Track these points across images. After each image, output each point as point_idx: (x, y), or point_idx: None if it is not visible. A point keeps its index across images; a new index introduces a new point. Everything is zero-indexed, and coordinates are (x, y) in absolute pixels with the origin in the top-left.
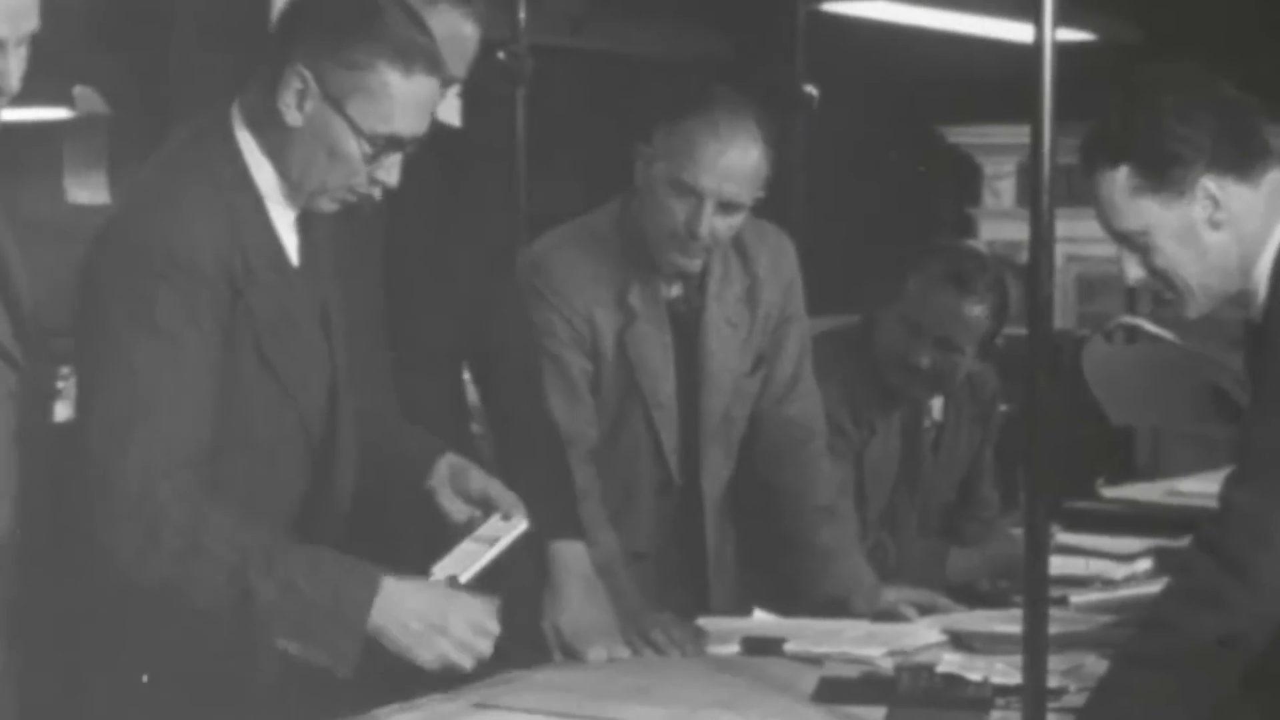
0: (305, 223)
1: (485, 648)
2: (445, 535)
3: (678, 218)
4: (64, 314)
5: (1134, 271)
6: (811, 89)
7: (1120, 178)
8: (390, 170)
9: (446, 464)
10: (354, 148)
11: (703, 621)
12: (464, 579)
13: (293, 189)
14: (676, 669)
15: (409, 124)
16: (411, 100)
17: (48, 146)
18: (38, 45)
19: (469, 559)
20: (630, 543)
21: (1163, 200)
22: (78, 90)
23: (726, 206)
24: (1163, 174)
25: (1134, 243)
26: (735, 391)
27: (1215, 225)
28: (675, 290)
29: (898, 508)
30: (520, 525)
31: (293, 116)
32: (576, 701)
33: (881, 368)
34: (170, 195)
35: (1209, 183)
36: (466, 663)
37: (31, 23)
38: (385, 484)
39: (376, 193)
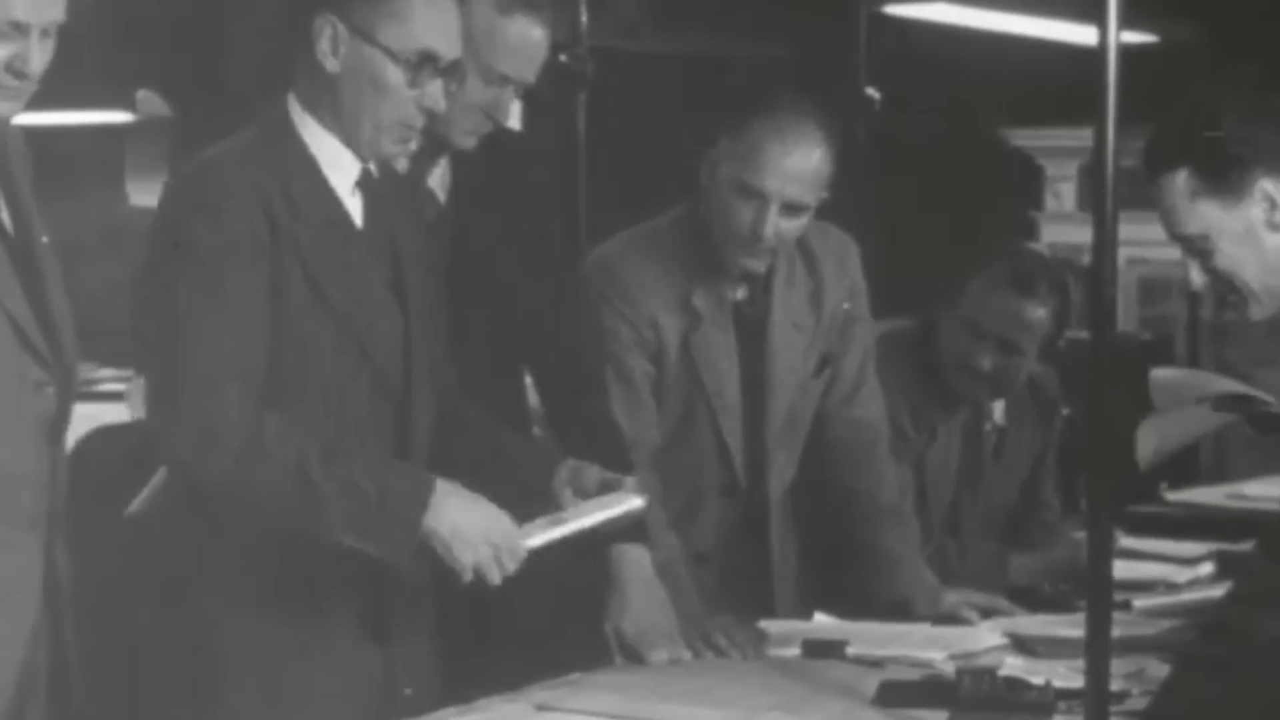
0: (370, 192)
1: (512, 568)
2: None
3: (743, 220)
4: (125, 315)
5: (1198, 276)
6: (873, 92)
7: (1180, 181)
8: (436, 97)
9: (567, 468)
10: (394, 74)
11: (764, 624)
12: (532, 542)
13: (351, 139)
14: (737, 671)
15: (439, 40)
16: (436, 16)
17: (110, 150)
18: (101, 49)
19: (548, 526)
20: (694, 545)
21: (1222, 203)
22: (140, 94)
23: (791, 208)
24: (1222, 177)
25: (1195, 246)
26: (800, 393)
27: (1275, 227)
28: (740, 293)
29: (960, 511)
30: (628, 502)
31: (331, 64)
32: (637, 703)
33: (943, 370)
34: (213, 160)
35: (1268, 184)
36: (496, 576)
37: (57, 13)
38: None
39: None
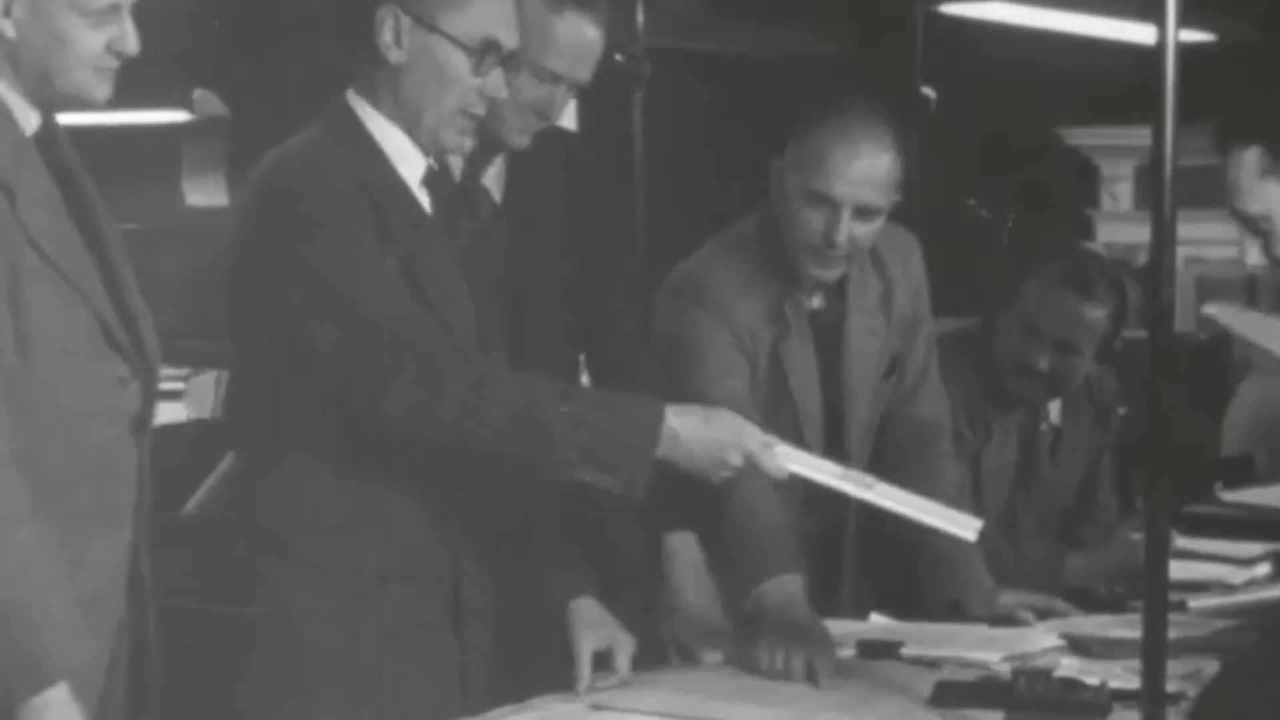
0: (435, 185)
1: (770, 465)
2: None
3: (814, 228)
4: (182, 314)
5: (1254, 257)
6: (929, 91)
7: (1250, 159)
8: (498, 85)
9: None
10: (459, 62)
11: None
12: (793, 467)
13: (414, 130)
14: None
15: (500, 28)
16: (496, 4)
17: (166, 149)
18: (158, 49)
19: (812, 465)
20: None
21: None
22: (197, 93)
23: (863, 213)
24: None
25: (1258, 227)
26: (874, 397)
27: None
28: (817, 302)
29: (1016, 511)
30: (960, 525)
31: (395, 55)
32: (692, 702)
33: (1000, 371)
34: (297, 151)
35: None
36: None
37: None
38: None
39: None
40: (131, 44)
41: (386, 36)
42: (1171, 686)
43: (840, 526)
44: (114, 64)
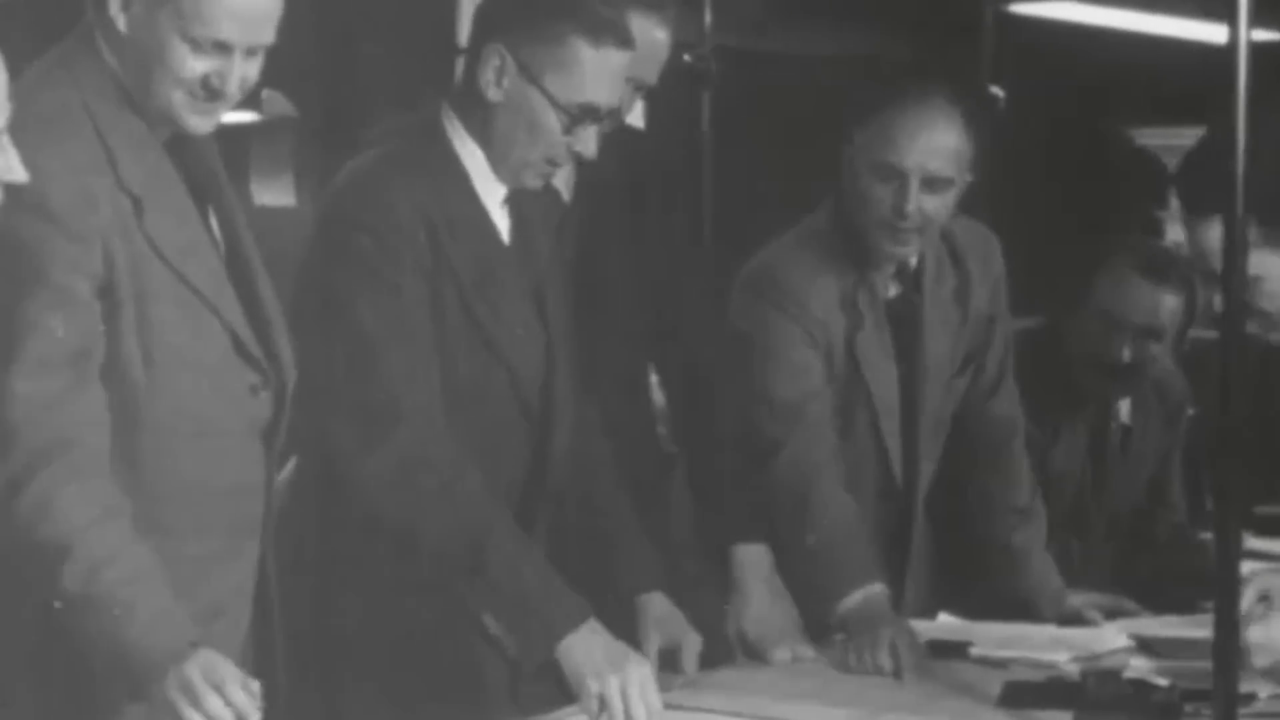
0: (516, 206)
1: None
2: None
3: (884, 202)
4: None
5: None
6: (997, 90)
7: (1217, 230)
8: (587, 141)
9: (657, 608)
10: (551, 119)
11: None
12: None
13: (497, 164)
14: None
15: (602, 94)
16: (603, 71)
17: (235, 150)
18: None
19: None
20: None
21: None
22: (265, 93)
23: (931, 183)
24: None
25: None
26: (945, 392)
27: None
28: (893, 290)
29: (1085, 511)
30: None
31: (493, 93)
32: (759, 702)
33: (1075, 368)
34: (375, 171)
35: None
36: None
37: (267, 36)
38: None
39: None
40: (231, 85)
41: (489, 75)
42: (1243, 687)
43: (909, 518)
44: (207, 98)
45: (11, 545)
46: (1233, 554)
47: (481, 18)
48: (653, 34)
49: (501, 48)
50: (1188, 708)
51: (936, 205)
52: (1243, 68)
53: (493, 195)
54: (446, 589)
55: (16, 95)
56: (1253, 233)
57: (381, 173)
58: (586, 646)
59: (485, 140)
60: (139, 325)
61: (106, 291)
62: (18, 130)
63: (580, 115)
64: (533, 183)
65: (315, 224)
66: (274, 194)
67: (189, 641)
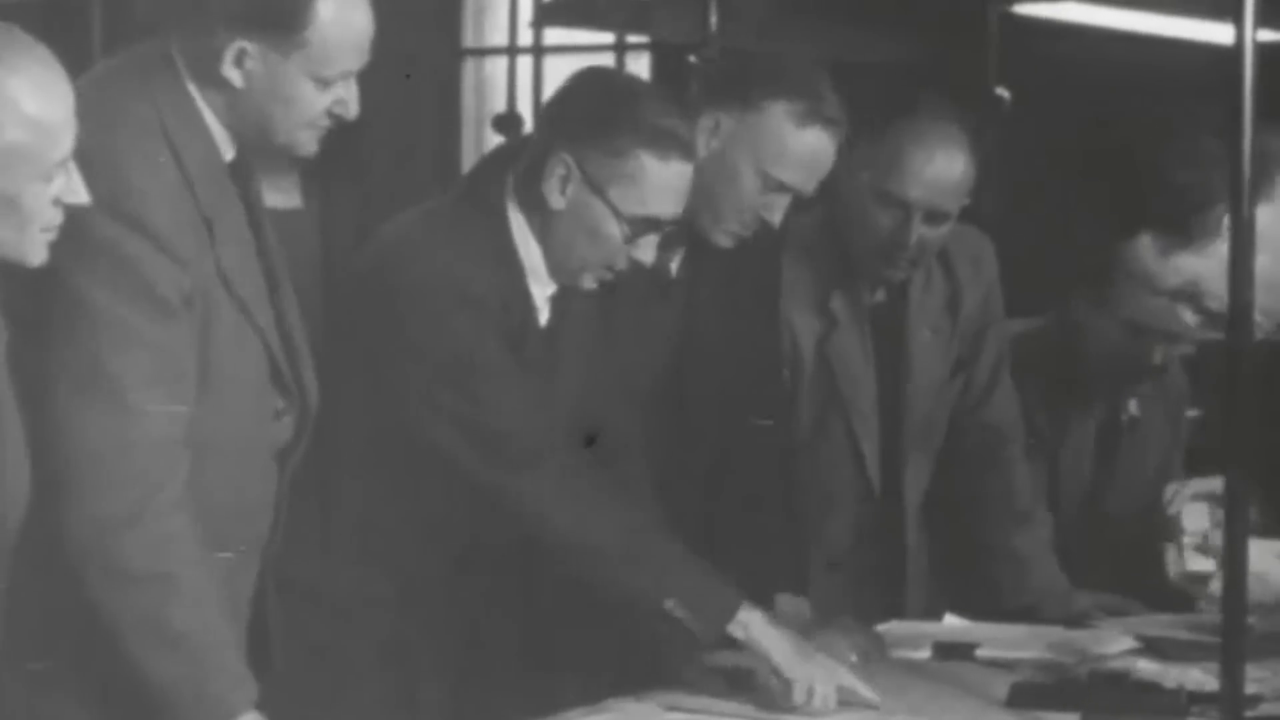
0: (562, 297)
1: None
2: None
3: (883, 229)
4: None
5: (1192, 318)
6: (1003, 92)
7: (1145, 245)
8: (647, 249)
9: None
10: (614, 229)
11: (893, 626)
12: None
13: (555, 267)
14: (866, 673)
15: (666, 207)
16: (668, 185)
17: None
18: None
19: None
20: (827, 552)
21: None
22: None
23: (933, 216)
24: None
25: (1183, 296)
26: (935, 397)
27: None
28: (878, 296)
29: (1095, 504)
30: None
31: (556, 200)
32: (764, 703)
33: (1095, 367)
34: (447, 240)
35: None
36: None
37: (367, 56)
38: None
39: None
40: (353, 109)
41: (553, 182)
42: (1249, 689)
43: (899, 522)
44: (329, 124)
45: (111, 573)
46: (1241, 556)
47: (547, 124)
48: (824, 147)
49: (568, 157)
50: (1194, 709)
51: (936, 235)
52: (1249, 68)
53: (542, 290)
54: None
55: (89, 98)
56: (1159, 243)
57: (453, 243)
58: (755, 620)
59: (545, 240)
60: (202, 346)
61: (187, 310)
62: (102, 136)
63: (642, 227)
64: (588, 285)
65: (369, 277)
66: (281, 196)
67: (251, 700)
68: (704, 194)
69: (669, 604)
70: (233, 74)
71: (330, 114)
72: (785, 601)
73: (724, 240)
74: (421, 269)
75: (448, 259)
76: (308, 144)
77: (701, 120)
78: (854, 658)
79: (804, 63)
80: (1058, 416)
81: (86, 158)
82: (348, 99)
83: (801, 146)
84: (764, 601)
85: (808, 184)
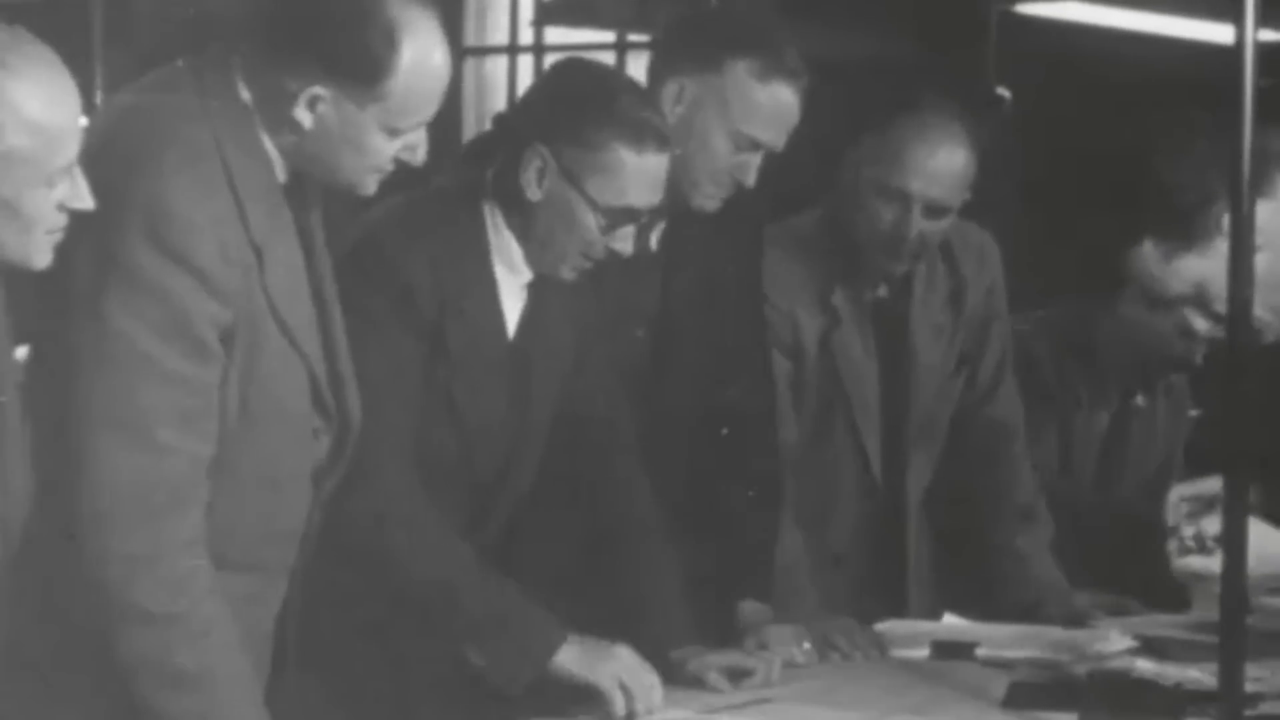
0: (538, 292)
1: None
2: None
3: (885, 222)
4: None
5: (1203, 324)
6: (1003, 91)
7: (1147, 253)
8: (625, 240)
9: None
10: (591, 221)
11: (892, 625)
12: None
13: (533, 258)
14: (866, 673)
15: (643, 197)
16: (645, 176)
17: None
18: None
19: None
20: (830, 546)
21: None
22: None
23: (933, 210)
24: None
25: (1190, 301)
26: (938, 394)
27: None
28: (881, 292)
29: (1109, 480)
30: None
31: (533, 192)
32: (764, 704)
33: (1109, 356)
34: (402, 234)
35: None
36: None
37: (440, 103)
38: None
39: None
40: (421, 155)
41: (530, 175)
42: (1249, 688)
43: (901, 519)
44: (392, 168)
45: (125, 610)
46: (1240, 553)
47: (522, 117)
48: (789, 100)
49: (544, 149)
50: (1193, 708)
51: (936, 228)
52: (1249, 67)
53: (513, 281)
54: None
55: (139, 111)
56: (1160, 249)
57: (411, 235)
58: (572, 657)
59: (523, 233)
60: (243, 376)
61: (226, 343)
62: (151, 157)
63: (620, 218)
64: (567, 275)
65: (340, 260)
66: None
67: None
68: (677, 161)
69: (469, 651)
70: (304, 117)
71: (397, 161)
72: (749, 609)
73: (705, 203)
74: (376, 250)
75: (397, 244)
76: (370, 186)
77: (665, 88)
78: (807, 645)
79: (759, 18)
80: (1068, 400)
81: (132, 178)
82: (417, 146)
83: (768, 101)
84: (732, 601)
85: (778, 139)
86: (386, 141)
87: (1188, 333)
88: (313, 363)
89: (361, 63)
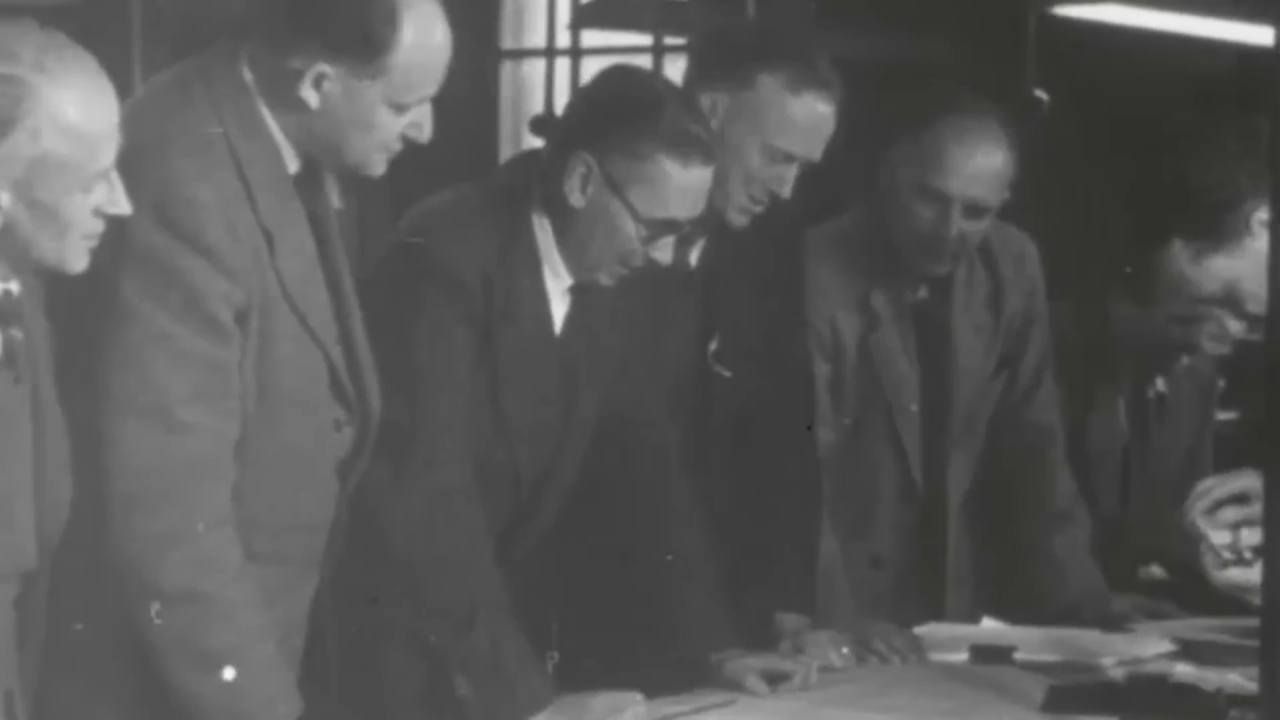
0: (581, 292)
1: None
2: None
3: (925, 223)
4: None
5: (1235, 326)
6: (1041, 93)
7: (1176, 252)
8: (665, 249)
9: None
10: (632, 230)
11: (931, 629)
12: None
13: (572, 263)
14: (905, 676)
15: (685, 209)
16: (688, 188)
17: None
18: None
19: None
20: (870, 548)
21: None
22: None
23: (973, 210)
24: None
25: (1220, 301)
26: (978, 395)
27: None
28: (921, 293)
29: (1129, 482)
30: None
31: (576, 199)
32: (802, 708)
33: (1121, 347)
34: (458, 226)
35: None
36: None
37: (443, 80)
38: None
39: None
40: (427, 132)
41: (574, 182)
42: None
43: (941, 522)
44: (401, 146)
45: (151, 590)
46: (1278, 558)
47: (569, 124)
48: (822, 111)
49: (589, 157)
50: (1233, 713)
51: (976, 229)
52: None
53: (559, 284)
54: (430, 640)
55: (150, 104)
56: (1190, 249)
57: (463, 230)
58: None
59: (563, 237)
60: (259, 361)
61: (241, 323)
62: (159, 145)
63: (660, 229)
64: (605, 281)
65: (390, 250)
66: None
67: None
68: (713, 175)
69: (458, 679)
70: (310, 96)
71: (406, 137)
72: (787, 619)
73: (738, 218)
74: (427, 244)
75: (449, 240)
76: (378, 165)
77: (699, 102)
78: (845, 649)
79: (791, 29)
80: (1083, 391)
81: (141, 165)
82: (422, 123)
83: (801, 113)
84: (769, 612)
85: (813, 150)
86: (393, 118)
87: (1192, 326)
88: (329, 350)
89: (364, 39)
